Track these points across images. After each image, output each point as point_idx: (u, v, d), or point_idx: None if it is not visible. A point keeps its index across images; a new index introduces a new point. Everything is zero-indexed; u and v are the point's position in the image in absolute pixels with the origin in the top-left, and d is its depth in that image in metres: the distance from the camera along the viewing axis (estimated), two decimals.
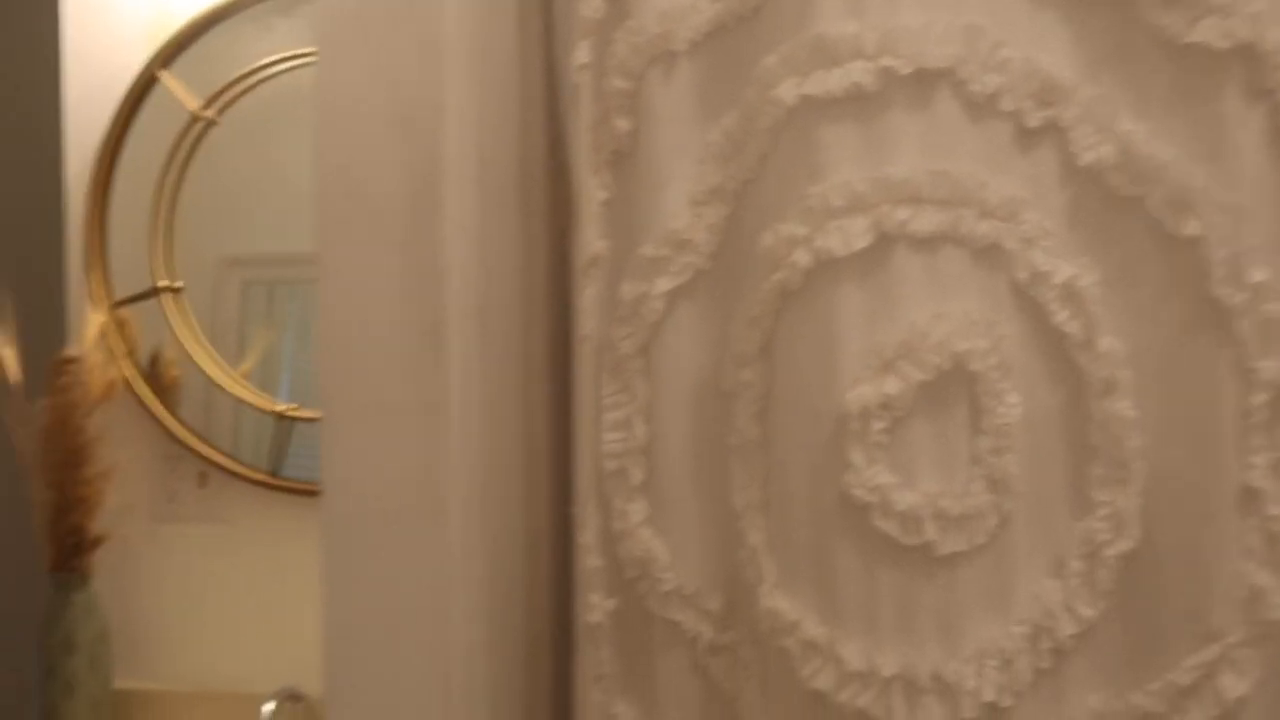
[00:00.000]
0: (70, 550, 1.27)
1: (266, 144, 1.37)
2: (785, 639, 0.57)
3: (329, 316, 0.53)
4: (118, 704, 1.34)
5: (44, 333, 1.42)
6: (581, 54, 0.59)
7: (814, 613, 0.57)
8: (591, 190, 0.61)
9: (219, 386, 1.35)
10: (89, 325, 1.35)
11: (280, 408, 1.33)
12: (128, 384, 1.36)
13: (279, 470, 1.33)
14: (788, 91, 0.58)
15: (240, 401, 1.35)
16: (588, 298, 0.59)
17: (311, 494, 1.33)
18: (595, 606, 0.59)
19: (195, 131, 1.36)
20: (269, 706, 1.19)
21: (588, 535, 0.59)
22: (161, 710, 1.34)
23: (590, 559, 0.58)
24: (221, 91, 1.36)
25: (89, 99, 1.39)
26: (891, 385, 0.56)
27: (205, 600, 1.36)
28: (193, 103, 1.35)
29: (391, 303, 0.53)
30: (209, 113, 1.36)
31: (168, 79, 1.36)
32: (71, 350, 1.31)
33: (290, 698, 1.23)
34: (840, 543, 0.56)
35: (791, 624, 0.57)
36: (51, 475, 1.27)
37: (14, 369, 1.29)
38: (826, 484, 0.57)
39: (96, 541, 1.29)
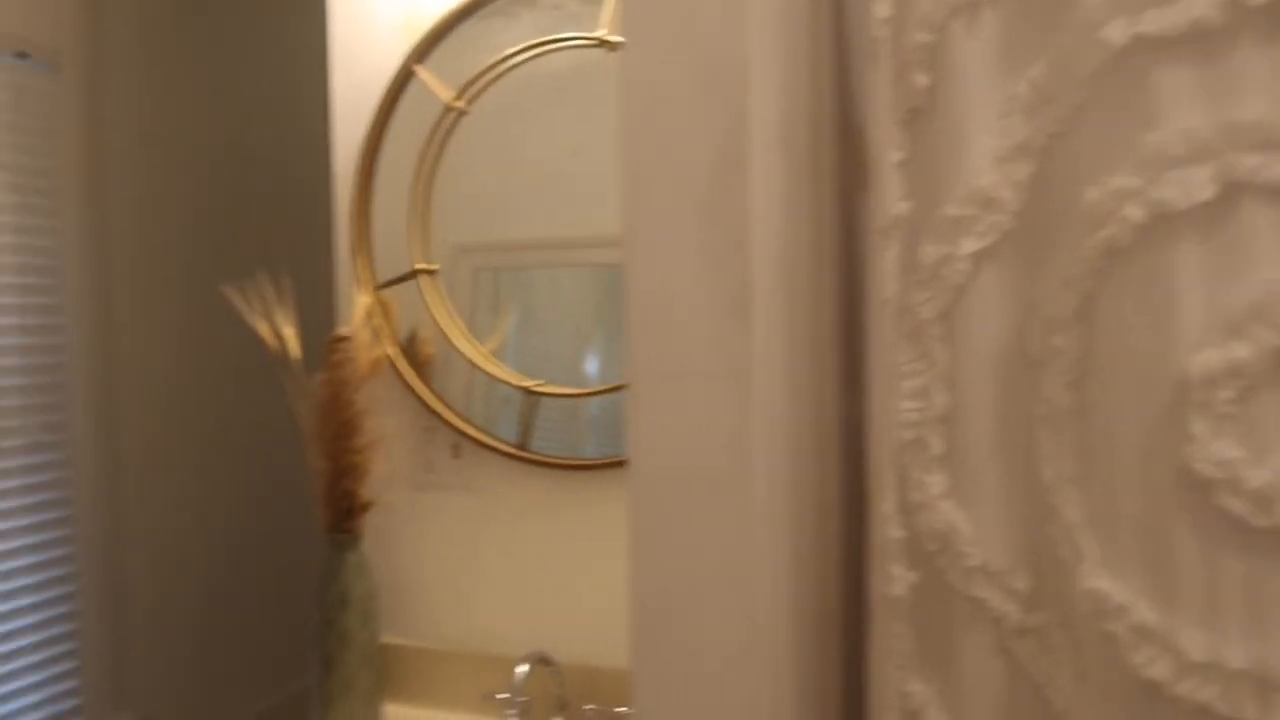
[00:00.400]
0: (343, 514, 1.38)
1: (513, 131, 1.43)
2: (1111, 623, 0.53)
3: (636, 285, 0.54)
4: (384, 657, 1.44)
5: (316, 314, 1.55)
6: (883, 8, 0.57)
7: (1145, 596, 0.52)
8: (888, 150, 0.59)
9: (472, 363, 1.42)
10: (357, 306, 1.45)
11: (529, 383, 1.39)
12: (390, 361, 1.46)
13: (527, 444, 1.39)
14: (1117, 32, 0.53)
15: (491, 378, 1.42)
16: (888, 260, 0.57)
17: (556, 467, 1.38)
18: (897, 579, 0.57)
19: (448, 122, 1.44)
20: (522, 669, 1.24)
21: (886, 505, 0.57)
22: (421, 665, 1.43)
23: (891, 529, 0.57)
24: (471, 82, 1.42)
25: (353, 96, 1.50)
26: (1241, 350, 0.51)
27: (460, 564, 1.44)
28: (446, 94, 1.43)
29: (697, 269, 0.53)
30: (460, 103, 1.42)
31: (423, 73, 1.44)
32: (342, 330, 1.41)
33: (541, 661, 1.28)
34: (1178, 521, 0.52)
35: (1119, 608, 0.53)
36: (326, 444, 1.38)
37: (294, 347, 1.41)
38: (1162, 457, 0.52)
39: (366, 506, 1.39)
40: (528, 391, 1.39)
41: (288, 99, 2.88)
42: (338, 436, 1.37)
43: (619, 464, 1.34)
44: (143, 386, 2.46)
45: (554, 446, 1.39)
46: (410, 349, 1.47)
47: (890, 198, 0.58)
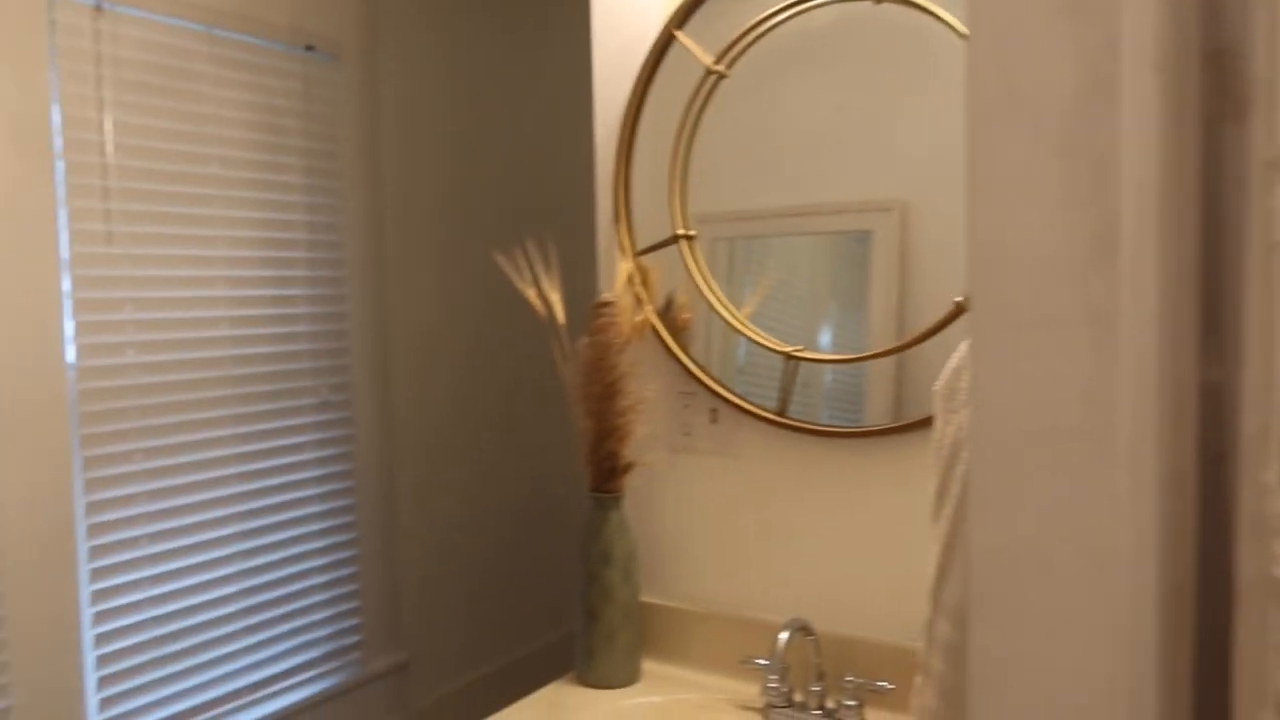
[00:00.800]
0: (606, 473, 1.42)
1: (771, 94, 1.40)
2: None
3: (981, 224, 0.50)
4: (644, 615, 1.48)
5: (579, 280, 1.60)
6: None
7: None
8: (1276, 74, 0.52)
9: (732, 328, 1.42)
10: (619, 272, 1.48)
11: (789, 349, 1.37)
12: (651, 326, 1.48)
13: (786, 409, 1.37)
14: None
15: (752, 342, 1.41)
16: (1278, 198, 0.50)
17: (814, 433, 1.35)
18: None
19: (707, 86, 1.43)
20: (784, 635, 1.23)
21: (1269, 475, 0.50)
22: (678, 625, 1.45)
23: (1276, 502, 0.50)
24: (732, 44, 1.41)
25: (613, 64, 1.52)
26: None
27: (717, 527, 1.45)
28: (706, 58, 1.42)
29: (1053, 207, 0.49)
30: (720, 67, 1.41)
31: (683, 37, 1.44)
32: (605, 295, 1.45)
33: (802, 629, 1.27)
34: None
35: None
36: (590, 406, 1.42)
37: (560, 312, 1.46)
38: None
39: (627, 467, 1.42)
40: (788, 356, 1.37)
41: (547, 73, 2.99)
42: (601, 398, 1.41)
43: (884, 432, 1.29)
44: (411, 350, 2.66)
45: (804, 414, 1.36)
46: (668, 314, 1.49)
47: None
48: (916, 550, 1.28)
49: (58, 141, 1.85)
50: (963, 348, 0.85)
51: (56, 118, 1.85)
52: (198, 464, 2.13)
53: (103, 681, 1.96)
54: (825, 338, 1.37)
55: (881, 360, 1.30)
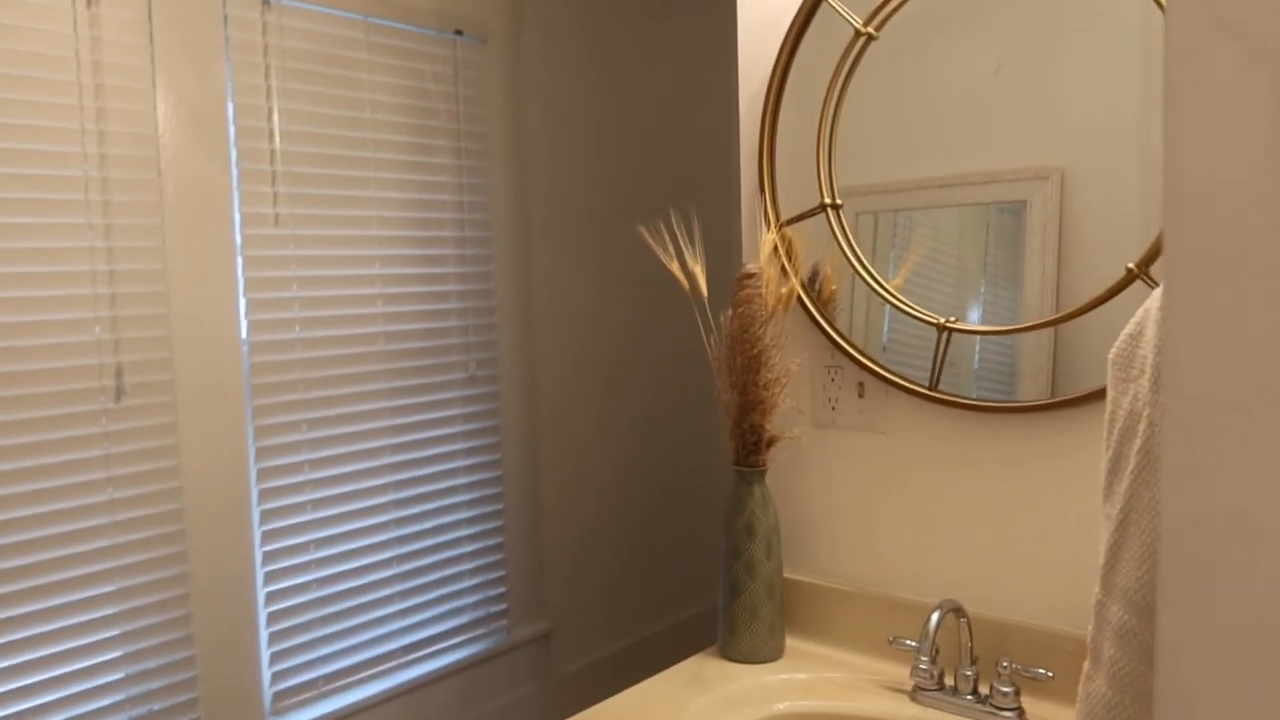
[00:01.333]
0: (750, 447, 1.40)
1: (921, 56, 1.34)
2: None
3: (1180, 162, 0.46)
4: (787, 592, 1.46)
5: (723, 252, 1.59)
6: None
7: None
8: None
9: (882, 299, 1.38)
10: (763, 243, 1.46)
11: (942, 320, 1.32)
12: (796, 297, 1.45)
13: (937, 383, 1.32)
14: None
15: (904, 314, 1.36)
16: None
17: (967, 408, 1.30)
18: None
19: (856, 49, 1.39)
20: (935, 616, 1.19)
21: None
22: (822, 603, 1.43)
23: None
24: (882, 4, 1.36)
25: (758, 34, 1.50)
26: None
27: (863, 504, 1.41)
28: (856, 20, 1.38)
29: (1266, 139, 0.45)
30: (870, 28, 1.37)
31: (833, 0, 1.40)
32: (750, 266, 1.43)
33: (954, 610, 1.22)
34: None
35: None
36: (734, 379, 1.41)
37: (703, 285, 1.45)
38: None
39: (771, 441, 1.41)
40: (940, 328, 1.32)
41: (688, 48, 2.98)
42: (745, 370, 1.39)
43: (1041, 408, 1.23)
44: (557, 325, 2.71)
45: (954, 390, 1.31)
46: (813, 286, 1.46)
47: None
48: (1076, 532, 1.21)
49: (231, 130, 1.97)
50: (1140, 313, 0.80)
51: (230, 108, 1.96)
52: (355, 435, 2.24)
53: (273, 638, 2.10)
54: (975, 313, 1.31)
55: (1035, 335, 1.23)
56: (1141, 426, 0.74)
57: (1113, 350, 0.80)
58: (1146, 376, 0.74)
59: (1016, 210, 1.27)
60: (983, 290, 1.31)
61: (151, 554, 1.91)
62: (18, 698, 1.75)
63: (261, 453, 2.08)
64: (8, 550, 1.74)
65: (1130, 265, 1.16)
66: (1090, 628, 0.80)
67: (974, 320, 1.30)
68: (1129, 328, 0.80)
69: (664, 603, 3.13)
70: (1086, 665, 0.80)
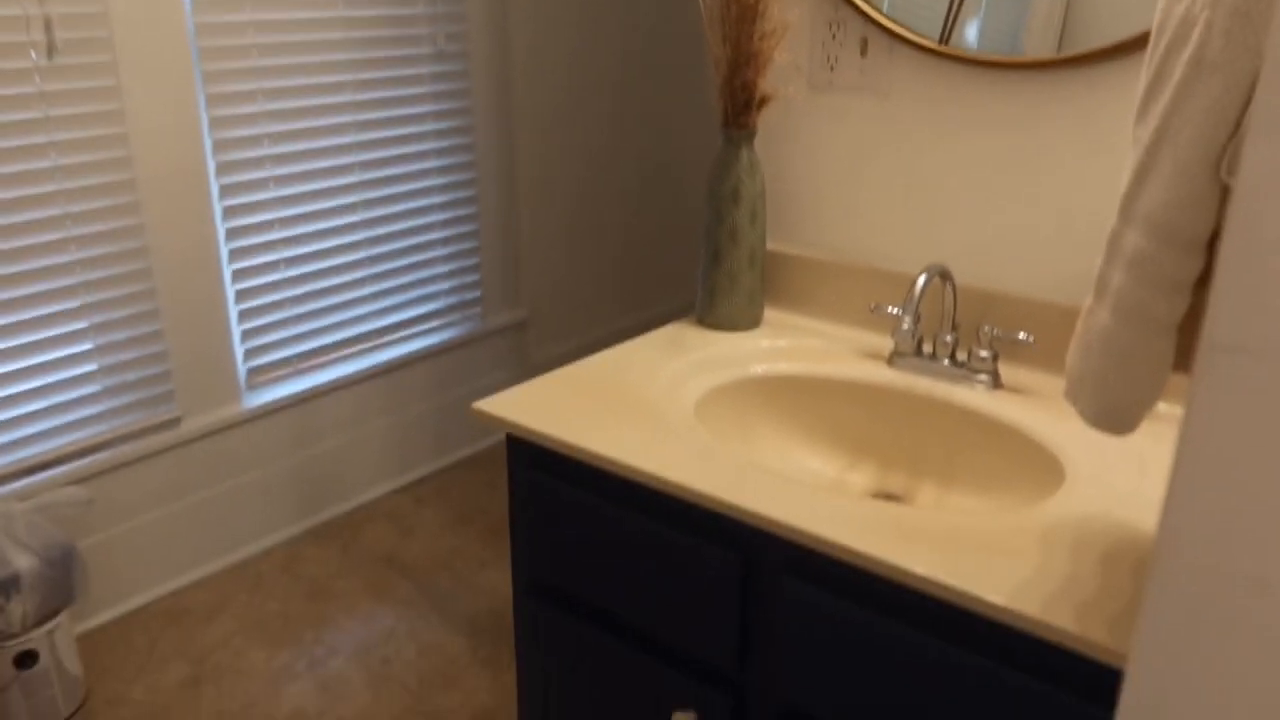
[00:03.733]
0: (740, 106, 1.31)
1: None
2: None
3: None
4: (769, 263, 1.43)
5: None
6: None
7: None
8: None
9: None
10: None
11: None
12: None
13: (948, 38, 1.21)
14: None
15: None
16: None
17: (976, 64, 1.20)
18: None
19: None
20: (922, 278, 1.16)
21: None
22: (804, 274, 1.40)
23: None
24: None
25: None
26: None
27: (855, 172, 1.35)
28: None
29: None
30: None
31: None
32: None
33: (941, 275, 1.20)
34: None
35: None
36: (727, 30, 1.28)
37: None
38: None
39: (764, 100, 1.31)
40: None
41: None
42: (740, 21, 1.27)
43: (1056, 64, 1.13)
44: None
45: (978, 41, 1.20)
46: None
47: None
48: (1074, 202, 1.16)
49: None
50: None
51: None
52: (317, 109, 2.10)
53: (242, 315, 2.07)
54: None
55: None
56: (1196, 32, 0.66)
57: None
58: None
59: None
60: None
61: (106, 225, 1.83)
62: None
63: (216, 123, 1.95)
64: None
65: None
66: (1099, 262, 0.76)
67: None
68: None
69: (641, 295, 3.15)
70: (1089, 300, 0.77)
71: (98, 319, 1.84)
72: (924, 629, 0.84)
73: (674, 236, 3.16)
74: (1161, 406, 1.11)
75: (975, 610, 0.79)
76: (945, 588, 0.80)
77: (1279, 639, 0.38)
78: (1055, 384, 1.18)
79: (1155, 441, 1.04)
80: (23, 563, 1.56)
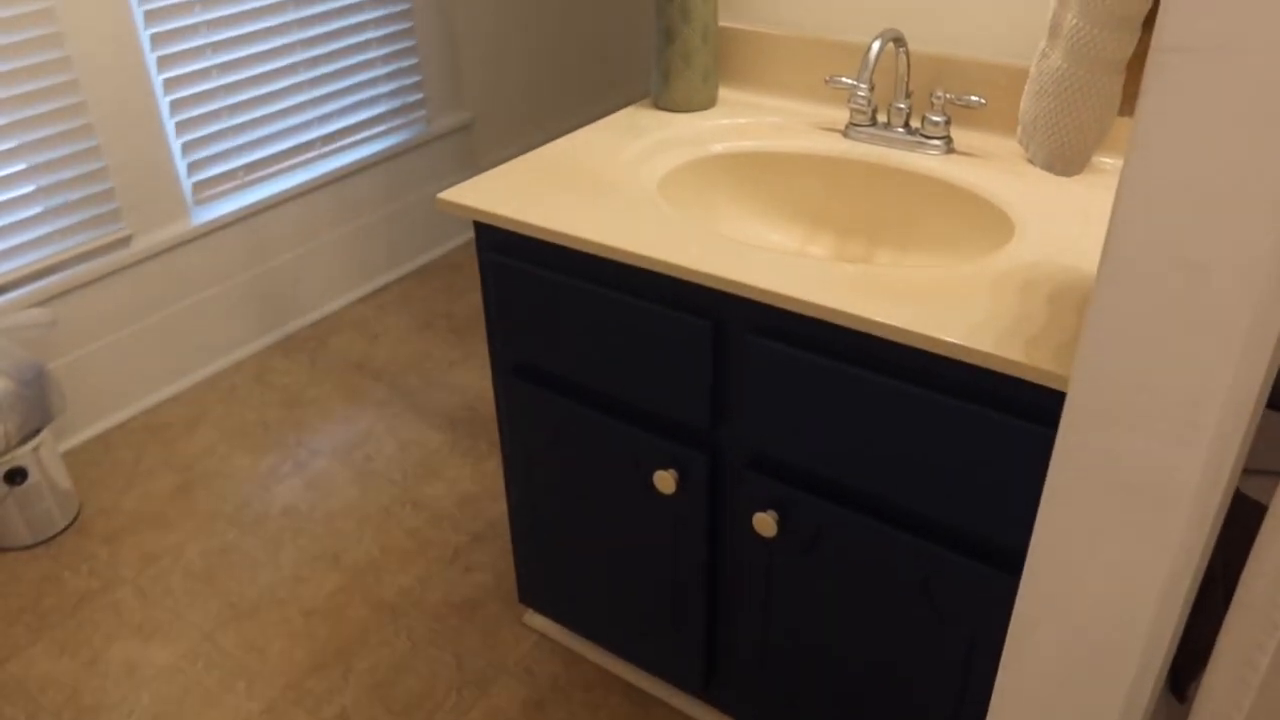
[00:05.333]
0: None
1: None
2: None
3: None
4: (723, 41, 1.41)
5: None
6: None
7: None
8: None
9: None
10: None
11: None
12: None
13: None
14: None
15: None
16: None
17: None
18: None
19: None
20: (876, 45, 1.16)
21: None
22: (757, 49, 1.38)
23: None
24: None
25: None
26: None
27: None
28: None
29: None
30: None
31: None
32: None
33: (895, 40, 1.20)
34: None
35: None
36: None
37: None
38: None
39: None
40: None
41: None
42: None
43: None
44: None
45: None
46: None
47: None
48: None
49: None
50: None
51: None
52: None
53: (180, 127, 2.00)
54: None
55: None
56: None
57: None
58: None
59: None
60: None
61: (24, 34, 1.72)
62: None
63: None
64: None
65: None
66: (1053, 3, 0.77)
67: None
68: None
69: (587, 93, 3.07)
70: (1042, 44, 0.79)
71: (27, 138, 1.77)
72: (885, 373, 0.91)
73: (623, 26, 3.05)
74: (1106, 160, 1.16)
75: (933, 351, 0.85)
76: (905, 332, 0.86)
77: (1216, 321, 0.44)
78: (1007, 145, 1.22)
79: (1101, 193, 1.09)
80: None
